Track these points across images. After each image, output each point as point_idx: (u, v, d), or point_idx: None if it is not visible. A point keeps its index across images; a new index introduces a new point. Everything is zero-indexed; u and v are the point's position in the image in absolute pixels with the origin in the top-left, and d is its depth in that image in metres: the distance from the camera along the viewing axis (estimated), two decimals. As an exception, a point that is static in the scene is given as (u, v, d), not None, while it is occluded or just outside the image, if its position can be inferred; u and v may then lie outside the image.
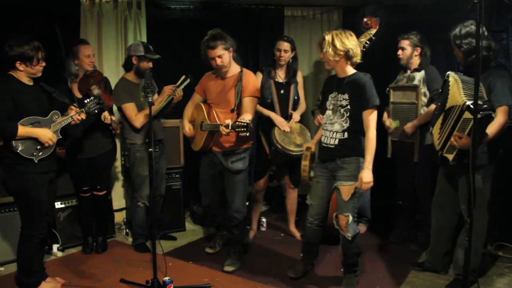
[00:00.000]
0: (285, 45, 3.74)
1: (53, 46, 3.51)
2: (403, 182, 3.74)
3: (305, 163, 3.01)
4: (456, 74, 2.71)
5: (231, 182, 3.36)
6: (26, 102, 2.81)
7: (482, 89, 2.56)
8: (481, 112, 2.23)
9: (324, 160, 2.95)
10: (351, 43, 2.73)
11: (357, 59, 2.78)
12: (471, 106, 2.37)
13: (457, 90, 2.61)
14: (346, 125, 2.81)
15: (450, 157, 2.64)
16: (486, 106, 2.27)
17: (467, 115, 2.50)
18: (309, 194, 3.09)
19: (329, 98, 2.92)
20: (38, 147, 2.80)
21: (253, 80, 3.33)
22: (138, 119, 3.56)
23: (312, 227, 3.07)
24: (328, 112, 2.91)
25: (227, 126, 2.97)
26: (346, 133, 2.82)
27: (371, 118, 2.73)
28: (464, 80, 2.63)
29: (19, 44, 2.76)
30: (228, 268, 3.34)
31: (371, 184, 2.72)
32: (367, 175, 2.70)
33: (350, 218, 2.82)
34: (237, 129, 2.93)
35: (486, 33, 2.72)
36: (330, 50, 2.72)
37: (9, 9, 3.67)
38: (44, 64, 2.89)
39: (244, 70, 3.34)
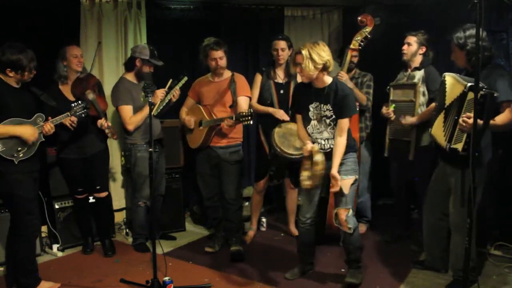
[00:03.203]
0: (282, 44, 3.74)
1: (52, 47, 3.53)
2: (397, 180, 3.77)
3: (318, 157, 2.82)
4: (453, 74, 2.75)
5: (227, 172, 3.58)
6: (11, 104, 2.81)
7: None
8: (483, 89, 2.29)
9: None
10: (327, 54, 2.77)
11: (331, 68, 2.84)
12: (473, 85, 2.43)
13: (456, 82, 2.65)
14: (334, 131, 2.90)
15: (460, 146, 2.59)
16: (486, 87, 2.36)
17: (470, 95, 2.52)
18: (299, 193, 3.12)
19: (311, 109, 2.95)
20: (19, 148, 2.79)
21: (245, 82, 3.64)
22: (132, 122, 3.61)
23: (305, 227, 3.09)
24: (314, 122, 2.96)
25: (231, 118, 3.27)
26: None
27: (345, 126, 2.82)
28: (462, 77, 2.68)
29: (12, 53, 2.76)
30: (234, 248, 3.55)
31: (337, 180, 2.77)
32: (335, 174, 2.78)
33: (351, 211, 2.89)
34: (241, 119, 3.21)
35: (485, 34, 2.74)
36: (310, 65, 2.74)
37: (9, 9, 3.67)
38: (35, 72, 2.89)
39: (235, 73, 3.61)
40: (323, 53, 2.74)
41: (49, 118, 3.00)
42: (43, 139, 2.94)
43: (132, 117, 3.61)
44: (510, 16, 3.79)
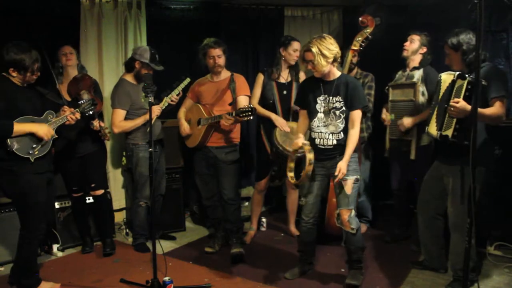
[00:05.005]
0: (297, 45, 3.73)
1: (52, 47, 3.52)
2: (398, 180, 3.77)
3: (311, 156, 2.83)
4: (447, 72, 2.81)
5: (225, 172, 3.58)
6: (20, 102, 2.80)
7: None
8: (470, 76, 2.40)
9: (322, 159, 2.98)
10: (335, 46, 2.82)
11: (338, 58, 2.89)
12: (461, 73, 2.59)
13: (449, 76, 2.71)
14: (342, 126, 2.90)
15: (450, 132, 2.65)
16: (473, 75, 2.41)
17: (458, 82, 2.62)
18: (302, 193, 3.12)
19: (319, 101, 2.96)
20: (34, 145, 2.78)
21: (245, 81, 3.64)
22: (120, 127, 3.64)
23: (307, 226, 3.10)
24: (320, 115, 2.96)
25: (229, 114, 3.25)
26: (342, 133, 2.91)
27: (357, 117, 2.86)
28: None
29: (16, 52, 2.73)
30: (235, 250, 3.51)
31: (343, 174, 2.82)
32: (344, 165, 2.82)
33: (353, 211, 2.90)
34: (241, 115, 3.17)
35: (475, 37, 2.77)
36: (322, 61, 2.79)
37: (9, 9, 3.66)
38: (38, 74, 2.87)
39: (234, 73, 3.61)
40: (331, 46, 2.80)
41: (65, 108, 2.99)
42: (56, 136, 2.93)
43: (122, 122, 3.63)
44: (510, 16, 3.79)
